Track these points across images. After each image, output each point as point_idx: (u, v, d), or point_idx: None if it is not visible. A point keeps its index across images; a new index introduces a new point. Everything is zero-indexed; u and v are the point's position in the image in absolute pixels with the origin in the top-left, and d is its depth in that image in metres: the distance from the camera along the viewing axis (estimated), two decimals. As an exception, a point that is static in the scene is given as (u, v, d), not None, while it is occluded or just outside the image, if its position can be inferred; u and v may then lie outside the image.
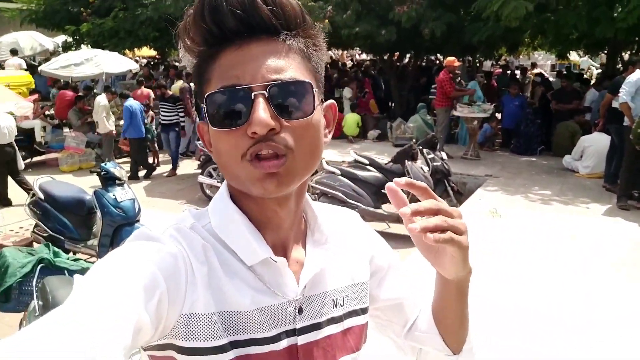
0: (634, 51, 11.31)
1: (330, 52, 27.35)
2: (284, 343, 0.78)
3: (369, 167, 6.52)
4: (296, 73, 0.72)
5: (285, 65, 0.72)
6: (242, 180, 0.73)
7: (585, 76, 15.25)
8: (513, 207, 6.79)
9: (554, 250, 5.30)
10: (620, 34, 8.90)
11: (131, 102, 8.80)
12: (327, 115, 0.82)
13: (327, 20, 11.12)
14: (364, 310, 0.91)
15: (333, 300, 0.85)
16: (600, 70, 16.19)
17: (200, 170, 7.77)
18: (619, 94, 6.95)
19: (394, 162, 6.56)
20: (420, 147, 6.81)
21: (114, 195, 5.06)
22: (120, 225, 5.01)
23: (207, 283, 0.73)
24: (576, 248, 5.40)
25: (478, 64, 17.35)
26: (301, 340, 0.80)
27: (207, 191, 7.67)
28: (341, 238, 0.91)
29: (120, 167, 5.45)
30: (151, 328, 0.64)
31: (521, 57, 21.72)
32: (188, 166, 9.67)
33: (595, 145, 8.41)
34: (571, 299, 4.27)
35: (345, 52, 26.04)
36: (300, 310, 0.80)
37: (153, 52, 19.31)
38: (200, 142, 7.83)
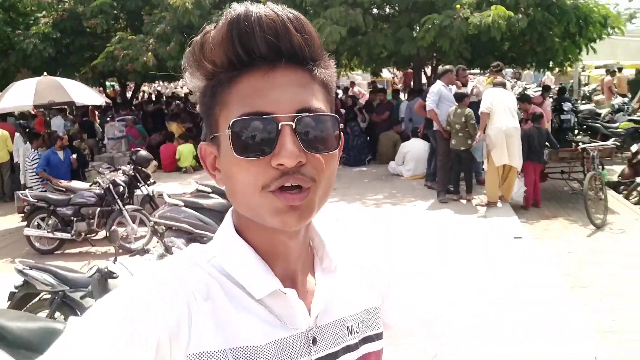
0: (434, 65, 12.86)
1: (156, 86, 26.70)
2: None
3: (212, 194, 6.48)
4: (322, 105, 0.71)
5: (311, 96, 0.70)
6: (258, 211, 0.70)
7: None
8: (353, 215, 7.31)
9: (392, 246, 5.83)
10: (422, 51, 10.15)
11: None
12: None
13: (150, 54, 10.93)
14: (378, 336, 0.87)
15: (347, 327, 0.82)
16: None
17: (25, 223, 7.05)
18: (426, 103, 7.88)
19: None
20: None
21: None
22: None
23: (214, 319, 0.69)
24: (409, 241, 6.03)
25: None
26: None
27: (37, 244, 6.95)
28: (350, 263, 0.89)
29: None
30: None
31: (342, 77, 23.31)
32: (7, 220, 8.64)
33: (413, 150, 9.40)
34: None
35: (172, 84, 25.64)
36: (315, 341, 0.76)
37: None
38: (22, 192, 7.19)
